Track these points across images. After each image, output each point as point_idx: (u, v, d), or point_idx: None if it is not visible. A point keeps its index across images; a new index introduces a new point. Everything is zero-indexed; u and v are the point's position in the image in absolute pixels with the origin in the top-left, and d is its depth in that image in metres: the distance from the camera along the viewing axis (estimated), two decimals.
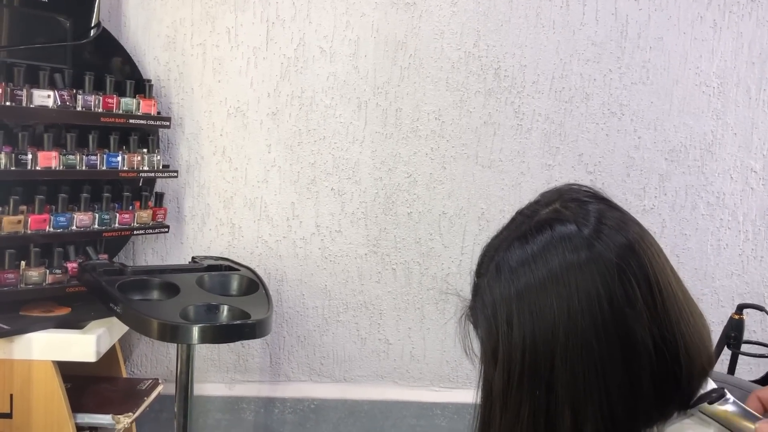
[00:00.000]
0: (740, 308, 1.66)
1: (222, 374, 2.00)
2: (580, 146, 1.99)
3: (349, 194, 1.96)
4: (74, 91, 1.61)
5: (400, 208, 1.98)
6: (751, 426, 0.71)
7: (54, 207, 1.59)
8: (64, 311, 1.58)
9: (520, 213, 0.80)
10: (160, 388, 1.78)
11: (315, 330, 2.01)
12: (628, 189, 2.01)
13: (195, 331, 1.37)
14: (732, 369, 1.71)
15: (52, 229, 1.56)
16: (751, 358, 1.75)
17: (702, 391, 0.75)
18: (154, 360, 1.98)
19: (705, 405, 0.73)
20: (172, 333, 1.39)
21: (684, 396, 0.75)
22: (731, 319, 1.66)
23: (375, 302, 2.01)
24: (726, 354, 1.71)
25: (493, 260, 0.77)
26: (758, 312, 1.75)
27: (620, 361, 0.71)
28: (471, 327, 0.80)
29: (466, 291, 0.81)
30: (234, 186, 1.94)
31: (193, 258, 1.82)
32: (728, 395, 0.73)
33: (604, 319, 0.70)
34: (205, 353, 1.98)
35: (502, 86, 1.95)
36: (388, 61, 1.92)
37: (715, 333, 1.78)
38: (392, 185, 1.97)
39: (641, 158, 2.01)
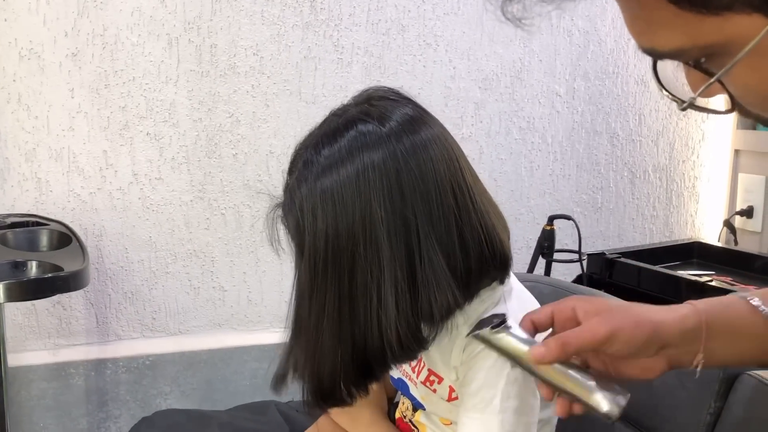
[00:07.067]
0: (551, 219, 1.79)
1: (43, 341, 1.86)
2: (399, 78, 2.02)
3: (167, 138, 1.86)
4: None
5: (225, 150, 1.91)
6: (525, 349, 0.71)
7: None
8: None
9: (333, 113, 0.82)
10: None
11: (143, 284, 1.91)
12: (447, 118, 2.07)
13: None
14: (548, 276, 1.85)
15: None
16: (564, 264, 1.91)
17: (485, 315, 0.78)
18: None
19: (486, 331, 0.74)
20: None
21: (482, 282, 0.80)
22: (543, 230, 1.78)
23: (206, 250, 1.94)
24: (542, 263, 1.85)
25: (302, 157, 0.79)
26: (568, 223, 1.89)
27: (414, 251, 0.74)
28: (281, 226, 0.82)
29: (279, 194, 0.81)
30: (36, 137, 1.77)
31: None
32: (509, 322, 0.74)
33: (396, 213, 0.74)
34: (21, 320, 1.82)
35: (320, 19, 1.93)
36: None
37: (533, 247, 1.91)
38: (213, 126, 1.89)
39: (457, 88, 2.08)
